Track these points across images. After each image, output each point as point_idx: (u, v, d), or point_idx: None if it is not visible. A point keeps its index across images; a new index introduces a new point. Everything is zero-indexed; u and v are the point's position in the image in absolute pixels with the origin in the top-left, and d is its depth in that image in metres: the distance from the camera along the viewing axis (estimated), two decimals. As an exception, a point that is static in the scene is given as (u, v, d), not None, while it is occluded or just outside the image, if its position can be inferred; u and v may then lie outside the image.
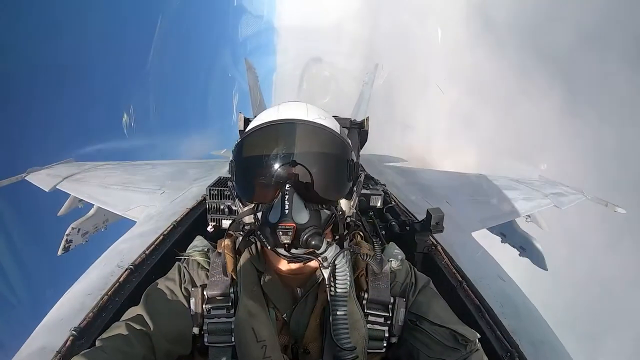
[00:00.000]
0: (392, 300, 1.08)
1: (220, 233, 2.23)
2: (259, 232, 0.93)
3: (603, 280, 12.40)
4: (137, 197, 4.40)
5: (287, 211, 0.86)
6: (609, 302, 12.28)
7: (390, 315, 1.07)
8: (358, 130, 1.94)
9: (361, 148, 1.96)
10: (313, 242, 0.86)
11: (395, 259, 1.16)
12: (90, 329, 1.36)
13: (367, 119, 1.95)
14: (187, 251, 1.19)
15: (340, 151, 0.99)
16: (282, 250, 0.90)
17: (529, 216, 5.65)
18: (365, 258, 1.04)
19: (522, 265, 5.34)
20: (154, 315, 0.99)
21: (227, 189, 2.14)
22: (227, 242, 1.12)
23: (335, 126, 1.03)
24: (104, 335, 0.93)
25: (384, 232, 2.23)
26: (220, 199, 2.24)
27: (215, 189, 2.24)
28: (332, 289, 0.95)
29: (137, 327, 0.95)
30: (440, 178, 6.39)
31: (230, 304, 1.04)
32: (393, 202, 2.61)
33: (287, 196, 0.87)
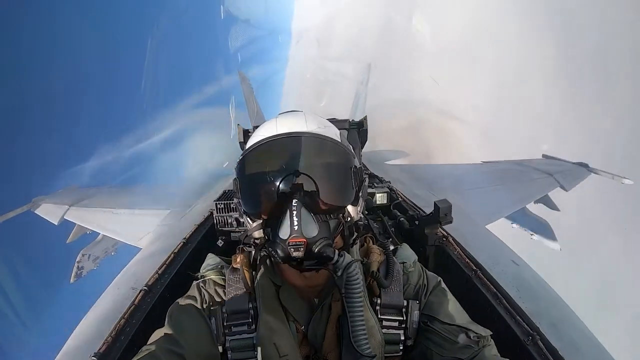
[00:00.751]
0: (405, 304, 1.07)
1: (230, 246, 2.24)
2: (270, 248, 0.93)
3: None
4: (144, 220, 4.42)
5: (296, 227, 0.86)
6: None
7: (405, 318, 1.06)
8: (357, 130, 1.95)
9: (362, 147, 1.97)
10: (325, 254, 0.87)
11: (408, 261, 1.16)
12: (110, 353, 1.36)
13: (366, 117, 1.95)
14: (201, 271, 1.18)
15: (343, 160, 0.98)
16: (294, 264, 0.90)
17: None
18: (374, 275, 1.05)
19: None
20: (182, 335, 0.97)
21: (233, 202, 2.15)
22: (241, 257, 1.12)
23: (335, 134, 1.02)
24: (135, 359, 0.92)
25: (393, 229, 2.22)
26: (228, 212, 2.25)
27: (222, 203, 2.25)
28: (347, 297, 0.94)
29: (168, 347, 0.94)
30: (444, 170, 6.37)
31: (250, 320, 1.03)
32: (399, 198, 2.60)
33: (295, 211, 0.87)
